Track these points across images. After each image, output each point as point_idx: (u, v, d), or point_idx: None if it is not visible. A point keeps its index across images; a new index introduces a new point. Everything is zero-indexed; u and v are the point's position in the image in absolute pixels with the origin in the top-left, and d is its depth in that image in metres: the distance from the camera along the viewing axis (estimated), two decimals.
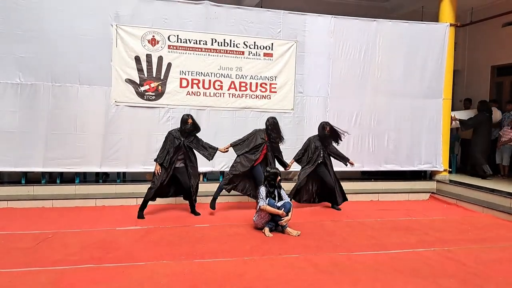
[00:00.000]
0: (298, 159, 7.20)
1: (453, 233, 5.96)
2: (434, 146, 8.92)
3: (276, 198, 5.74)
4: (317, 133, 7.25)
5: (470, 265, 4.63)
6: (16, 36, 6.96)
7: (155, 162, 6.35)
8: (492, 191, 7.78)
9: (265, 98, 8.12)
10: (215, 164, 7.78)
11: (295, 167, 7.34)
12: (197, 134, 6.56)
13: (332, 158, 7.26)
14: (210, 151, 6.56)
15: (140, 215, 6.31)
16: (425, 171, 9.18)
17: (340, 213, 6.99)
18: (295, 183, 7.24)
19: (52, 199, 6.95)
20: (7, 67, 6.98)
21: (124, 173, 7.89)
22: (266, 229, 5.59)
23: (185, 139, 6.40)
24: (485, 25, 9.99)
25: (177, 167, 6.43)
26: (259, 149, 6.74)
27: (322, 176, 7.19)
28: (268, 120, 6.83)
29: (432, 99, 8.84)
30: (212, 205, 6.71)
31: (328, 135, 7.10)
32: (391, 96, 8.65)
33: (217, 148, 6.62)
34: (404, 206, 7.71)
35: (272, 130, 6.73)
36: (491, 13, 9.63)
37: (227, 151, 6.78)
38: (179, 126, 6.48)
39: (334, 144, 7.26)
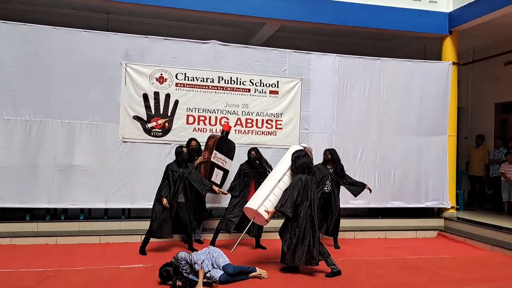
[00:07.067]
0: None
1: (463, 273, 5.85)
2: (440, 183, 8.85)
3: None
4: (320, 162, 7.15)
5: None
6: (26, 73, 7.11)
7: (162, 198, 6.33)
8: (500, 229, 7.65)
9: (271, 134, 8.17)
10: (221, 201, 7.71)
11: None
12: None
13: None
14: (203, 187, 6.50)
15: (142, 252, 6.28)
16: (432, 208, 9.08)
17: (347, 252, 6.87)
18: None
19: (56, 236, 6.90)
20: (17, 104, 7.08)
21: (129, 209, 7.85)
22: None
23: (183, 170, 6.44)
24: (487, 63, 10.11)
25: (179, 202, 6.43)
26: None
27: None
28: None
29: (437, 135, 8.85)
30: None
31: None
32: (396, 133, 8.68)
33: (211, 185, 6.60)
34: (412, 244, 7.59)
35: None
36: (493, 52, 9.77)
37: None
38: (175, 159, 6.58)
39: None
